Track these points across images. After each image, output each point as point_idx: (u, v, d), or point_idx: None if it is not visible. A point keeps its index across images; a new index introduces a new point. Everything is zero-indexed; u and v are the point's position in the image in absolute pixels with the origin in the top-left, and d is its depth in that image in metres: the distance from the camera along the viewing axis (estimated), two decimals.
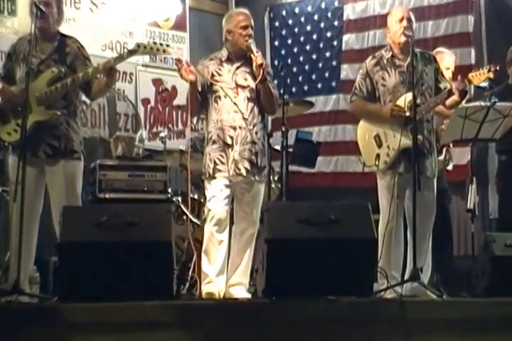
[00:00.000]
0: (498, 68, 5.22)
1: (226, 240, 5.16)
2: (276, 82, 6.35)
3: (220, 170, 5.18)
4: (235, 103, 5.20)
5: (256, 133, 5.23)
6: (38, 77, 5.04)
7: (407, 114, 5.22)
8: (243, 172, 5.17)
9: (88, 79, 5.09)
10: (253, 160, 5.20)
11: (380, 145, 5.41)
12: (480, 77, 5.22)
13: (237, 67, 5.27)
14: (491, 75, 5.22)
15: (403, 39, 5.34)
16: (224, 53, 5.32)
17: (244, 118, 5.20)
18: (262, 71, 5.11)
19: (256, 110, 5.25)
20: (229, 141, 5.18)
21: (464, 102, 5.41)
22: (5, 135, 5.13)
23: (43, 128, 5.03)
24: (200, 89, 5.27)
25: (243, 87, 5.23)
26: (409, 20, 5.37)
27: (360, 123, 5.60)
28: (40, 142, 5.05)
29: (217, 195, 5.16)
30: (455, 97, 5.30)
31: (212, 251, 5.12)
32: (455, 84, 5.24)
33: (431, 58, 5.53)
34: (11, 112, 5.09)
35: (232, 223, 5.25)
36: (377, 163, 5.38)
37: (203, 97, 5.30)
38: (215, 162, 5.19)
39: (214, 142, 5.23)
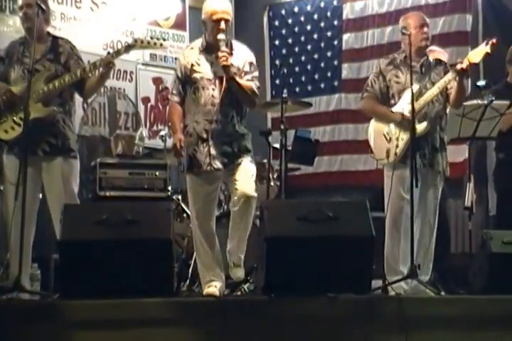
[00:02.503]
0: (494, 41, 5.27)
1: (215, 236, 5.08)
2: (277, 81, 6.42)
3: (195, 165, 5.06)
4: (212, 95, 5.06)
5: (233, 125, 5.09)
6: (34, 75, 5.09)
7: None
8: (220, 167, 5.03)
9: (85, 76, 5.15)
10: (228, 151, 5.05)
11: (389, 140, 5.45)
12: (479, 53, 5.29)
13: (216, 57, 5.06)
14: (489, 49, 5.28)
15: (424, 43, 5.49)
16: (203, 43, 5.19)
17: (221, 110, 5.05)
18: (226, 72, 5.01)
19: (234, 102, 5.10)
20: (204, 135, 5.06)
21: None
22: (2, 133, 5.15)
23: (40, 126, 5.05)
24: (182, 79, 5.18)
25: (221, 79, 5.07)
26: (428, 25, 5.54)
27: (371, 120, 5.64)
28: (38, 140, 5.08)
29: (198, 191, 5.07)
30: (454, 90, 5.36)
31: (204, 253, 5.05)
32: (455, 66, 5.32)
33: (441, 63, 5.64)
34: (7, 110, 5.13)
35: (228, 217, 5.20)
36: (387, 155, 5.41)
37: (183, 87, 5.19)
38: (190, 156, 5.08)
39: (190, 135, 5.11)
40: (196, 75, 5.12)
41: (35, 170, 5.07)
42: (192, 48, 5.26)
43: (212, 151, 5.04)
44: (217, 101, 5.06)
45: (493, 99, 5.47)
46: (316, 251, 4.44)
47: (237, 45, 5.23)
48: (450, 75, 5.34)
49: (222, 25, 5.06)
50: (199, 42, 5.24)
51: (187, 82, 5.17)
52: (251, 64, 5.20)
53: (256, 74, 5.22)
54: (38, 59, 5.14)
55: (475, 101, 5.61)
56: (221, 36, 5.05)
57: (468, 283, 5.17)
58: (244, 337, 4.31)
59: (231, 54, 5.08)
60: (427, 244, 5.38)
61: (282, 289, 4.45)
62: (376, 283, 4.87)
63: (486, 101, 5.47)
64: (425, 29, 5.51)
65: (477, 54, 5.31)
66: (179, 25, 8.93)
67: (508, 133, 5.89)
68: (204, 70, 5.12)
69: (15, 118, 5.08)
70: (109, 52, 5.25)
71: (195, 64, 5.15)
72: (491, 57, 5.35)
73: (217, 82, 5.09)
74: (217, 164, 5.04)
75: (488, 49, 5.29)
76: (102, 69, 5.15)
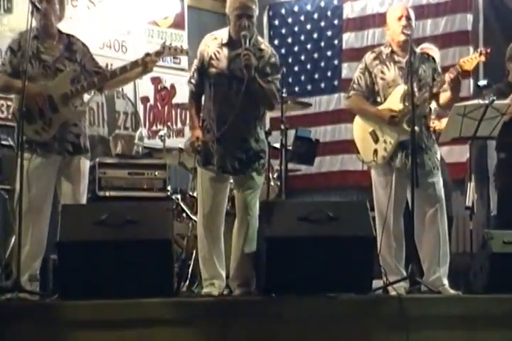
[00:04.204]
0: (489, 51, 5.18)
1: (221, 235, 5.03)
2: None
3: (210, 163, 4.98)
4: (227, 95, 4.89)
5: (248, 129, 4.96)
6: (57, 75, 5.07)
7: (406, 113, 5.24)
8: (230, 170, 4.96)
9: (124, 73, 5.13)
10: (242, 158, 4.95)
11: (376, 141, 5.40)
12: (472, 62, 5.19)
13: (237, 55, 4.89)
14: (483, 59, 5.20)
15: (402, 37, 5.33)
16: (226, 35, 4.97)
17: (236, 113, 4.84)
18: (248, 71, 4.79)
19: (250, 104, 4.92)
20: (218, 135, 4.92)
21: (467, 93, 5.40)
22: (33, 134, 5.05)
23: (67, 128, 5.09)
24: (200, 67, 5.03)
25: (239, 79, 4.87)
26: (408, 18, 5.34)
27: (355, 120, 5.61)
28: (64, 141, 5.09)
29: (207, 187, 5.00)
30: (448, 93, 5.30)
31: (205, 250, 5.00)
32: (447, 73, 5.23)
33: (430, 58, 5.51)
34: (36, 112, 5.05)
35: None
36: (375, 158, 5.38)
37: (201, 77, 5.03)
38: (206, 153, 4.98)
39: (208, 131, 4.99)
40: (212, 70, 4.95)
41: (54, 169, 5.08)
42: (215, 38, 5.03)
43: (224, 154, 4.94)
44: (232, 103, 4.87)
45: (494, 98, 5.45)
46: (317, 251, 4.45)
47: (262, 44, 5.04)
48: (440, 80, 5.26)
49: (245, 22, 4.86)
50: (223, 33, 5.02)
51: (205, 72, 5.01)
52: (273, 65, 5.01)
53: (277, 76, 5.04)
54: (57, 57, 5.12)
55: (476, 101, 5.59)
56: (244, 33, 4.84)
57: (469, 283, 5.16)
58: (245, 337, 4.31)
59: (254, 53, 4.88)
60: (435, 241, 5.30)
61: (282, 289, 4.45)
62: (376, 283, 4.87)
63: (487, 101, 5.45)
64: (403, 21, 5.31)
65: (469, 62, 5.18)
66: (178, 24, 8.90)
67: (509, 132, 5.85)
68: (221, 66, 4.94)
69: (45, 120, 5.05)
70: (149, 53, 5.14)
71: (214, 57, 4.96)
72: (492, 57, 5.31)
73: (233, 81, 4.90)
74: (228, 167, 4.95)
75: (482, 58, 5.19)
76: (142, 67, 5.11)
